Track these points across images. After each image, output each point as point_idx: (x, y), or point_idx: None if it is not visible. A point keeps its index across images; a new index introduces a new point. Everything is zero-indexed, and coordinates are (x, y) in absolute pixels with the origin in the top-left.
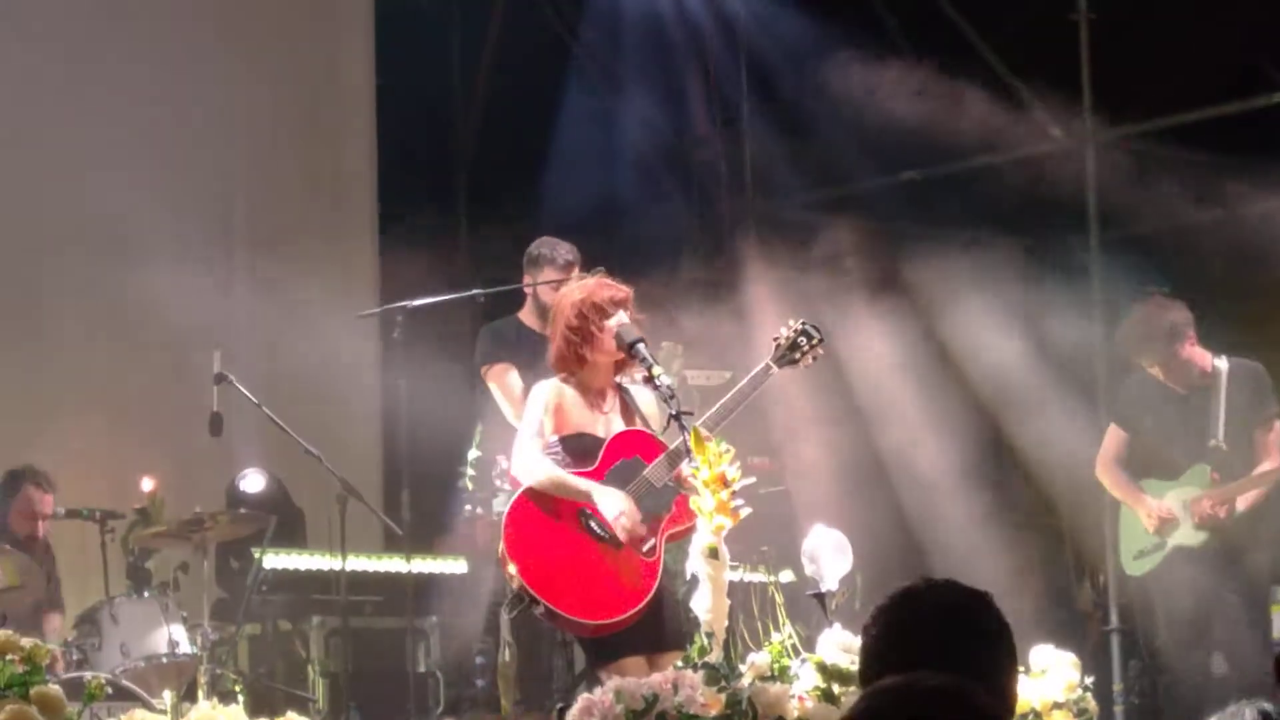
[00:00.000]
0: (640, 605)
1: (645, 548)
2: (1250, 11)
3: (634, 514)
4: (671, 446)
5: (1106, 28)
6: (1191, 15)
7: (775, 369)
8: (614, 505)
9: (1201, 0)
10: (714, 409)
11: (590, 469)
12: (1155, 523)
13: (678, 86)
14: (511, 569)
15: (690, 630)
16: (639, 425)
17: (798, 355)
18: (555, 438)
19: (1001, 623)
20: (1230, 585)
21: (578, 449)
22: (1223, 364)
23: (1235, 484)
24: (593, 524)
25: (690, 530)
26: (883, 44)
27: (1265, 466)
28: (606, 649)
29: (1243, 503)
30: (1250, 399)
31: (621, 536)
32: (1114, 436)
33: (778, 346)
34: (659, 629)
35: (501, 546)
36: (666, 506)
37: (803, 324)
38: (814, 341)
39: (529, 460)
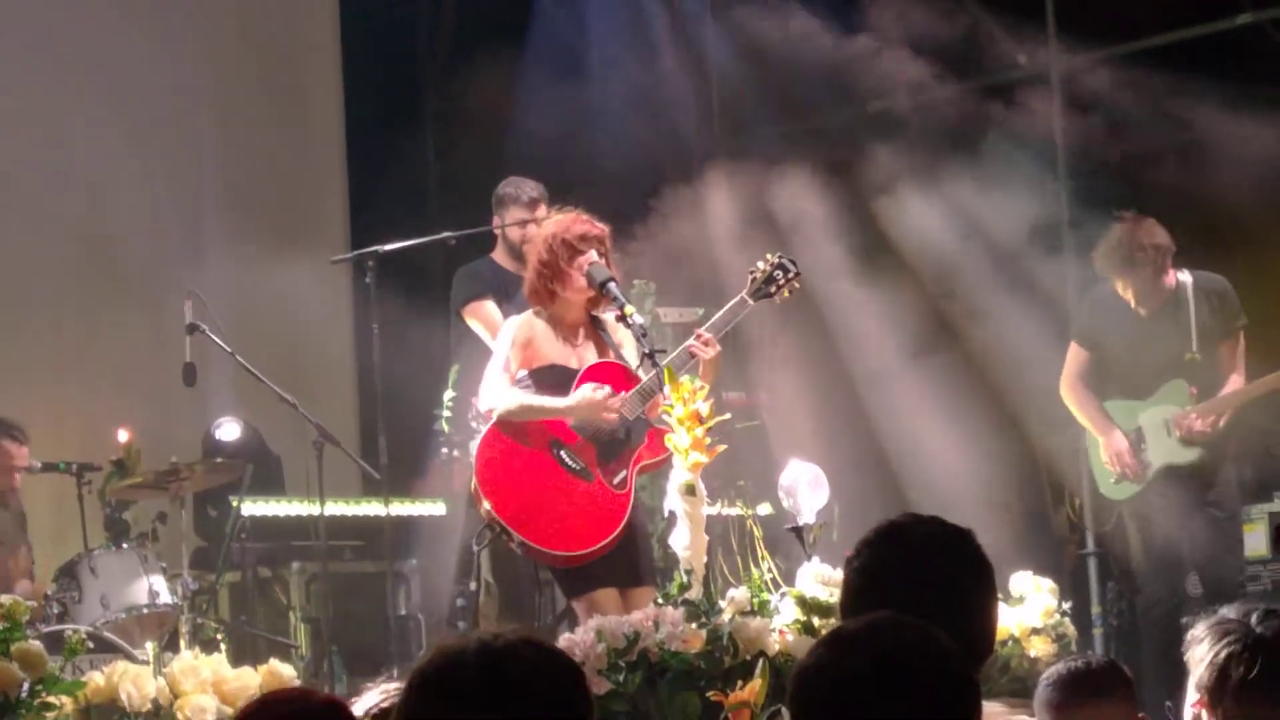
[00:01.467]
0: (611, 536)
1: (616, 480)
2: None
3: (610, 399)
4: (644, 381)
5: None
6: None
7: (751, 302)
8: (587, 399)
9: None
10: (687, 341)
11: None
12: (1127, 470)
13: (643, 21)
14: (484, 502)
15: (663, 566)
16: (613, 358)
17: (773, 289)
18: (525, 372)
19: (983, 559)
20: (1209, 503)
21: (550, 381)
22: (1186, 278)
23: (1220, 398)
24: (564, 455)
25: (662, 463)
26: None
27: (1239, 380)
28: (579, 582)
29: (1223, 419)
30: (1217, 311)
31: (606, 420)
32: (1076, 355)
33: (753, 280)
34: (632, 563)
35: (474, 482)
36: (639, 439)
37: (779, 257)
38: (789, 275)
39: (495, 394)
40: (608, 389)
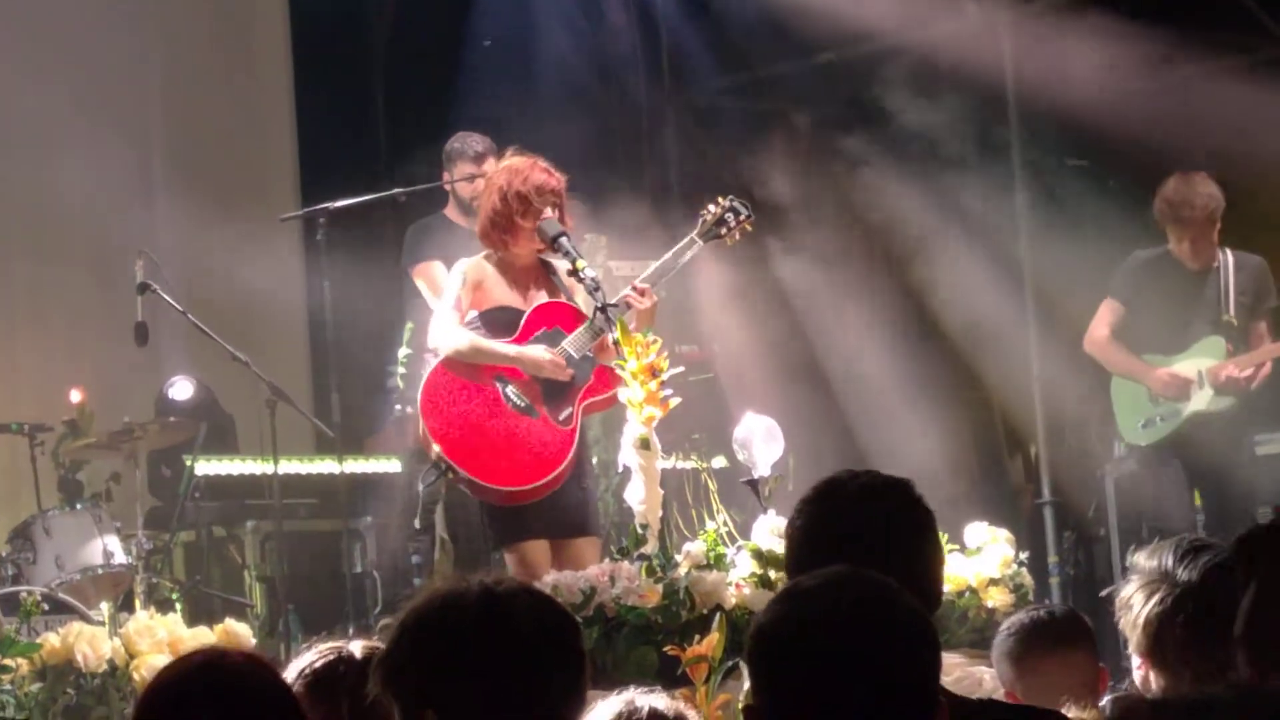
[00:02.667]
0: (556, 471)
1: (561, 416)
2: None
3: (559, 358)
4: (591, 318)
5: None
6: None
7: (700, 242)
8: (537, 355)
9: None
10: (635, 281)
11: (511, 339)
12: (1174, 387)
13: None
14: (429, 438)
15: (618, 521)
16: (562, 298)
17: (724, 230)
18: (475, 313)
19: (923, 508)
20: (1236, 455)
21: (499, 321)
22: (1228, 256)
23: (1263, 349)
24: (509, 392)
25: (609, 402)
26: None
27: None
28: (510, 531)
29: (1258, 377)
30: (1254, 288)
31: (555, 375)
32: (1111, 310)
33: (704, 221)
34: (571, 512)
35: (420, 421)
36: (585, 377)
37: (730, 200)
38: (741, 217)
39: (444, 333)
40: (560, 357)
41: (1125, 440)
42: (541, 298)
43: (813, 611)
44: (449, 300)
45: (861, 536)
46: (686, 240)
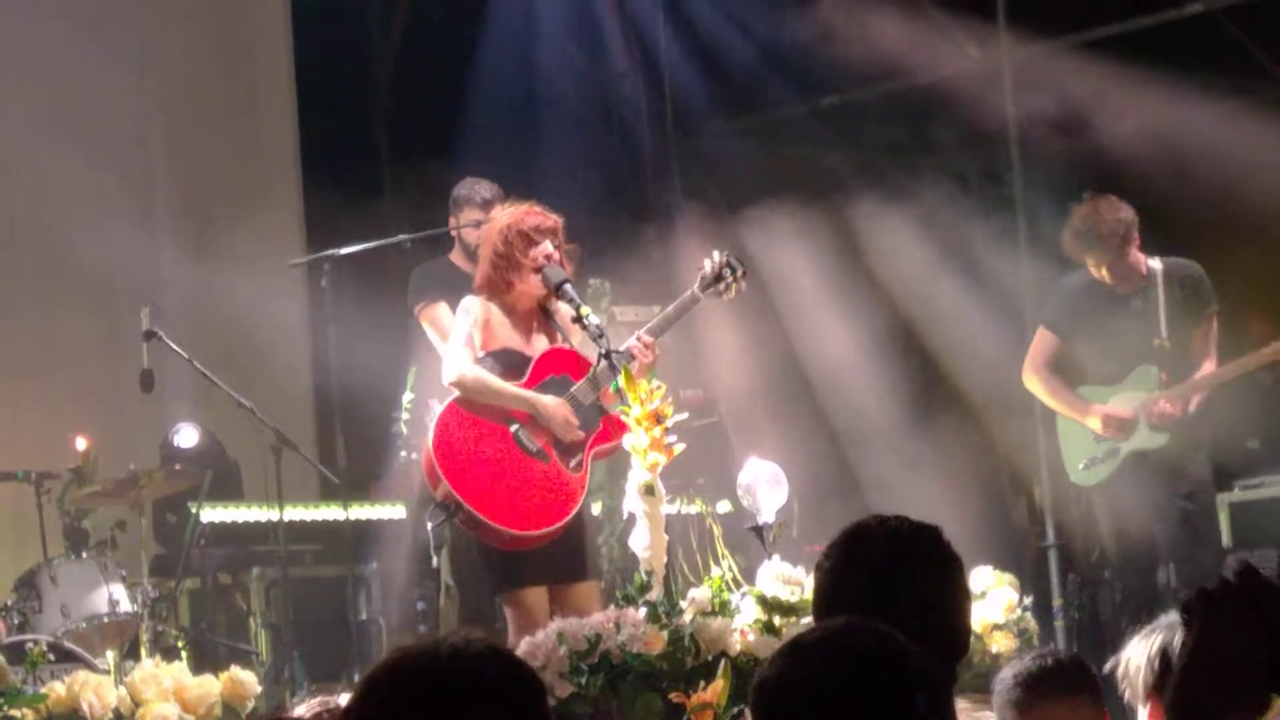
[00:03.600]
0: (564, 519)
1: (572, 464)
2: None
3: (573, 418)
4: (597, 366)
5: None
6: None
7: (700, 297)
8: (556, 407)
9: None
10: (640, 333)
11: (521, 383)
12: (1111, 427)
13: (593, 20)
14: (440, 478)
15: (623, 567)
16: (561, 342)
17: (722, 287)
18: (484, 353)
19: (951, 555)
20: (1180, 491)
21: (507, 363)
22: (1157, 264)
23: (1190, 382)
24: (522, 436)
25: (616, 448)
26: None
27: (1210, 366)
28: (509, 577)
29: (1193, 403)
30: (1189, 297)
31: (564, 435)
32: (1044, 341)
33: (702, 277)
34: (570, 558)
35: (428, 455)
36: (593, 424)
37: (727, 256)
38: (737, 274)
39: (461, 367)
40: (571, 412)
41: (1072, 480)
42: (542, 342)
43: (815, 665)
44: (460, 337)
45: (888, 582)
46: (687, 295)
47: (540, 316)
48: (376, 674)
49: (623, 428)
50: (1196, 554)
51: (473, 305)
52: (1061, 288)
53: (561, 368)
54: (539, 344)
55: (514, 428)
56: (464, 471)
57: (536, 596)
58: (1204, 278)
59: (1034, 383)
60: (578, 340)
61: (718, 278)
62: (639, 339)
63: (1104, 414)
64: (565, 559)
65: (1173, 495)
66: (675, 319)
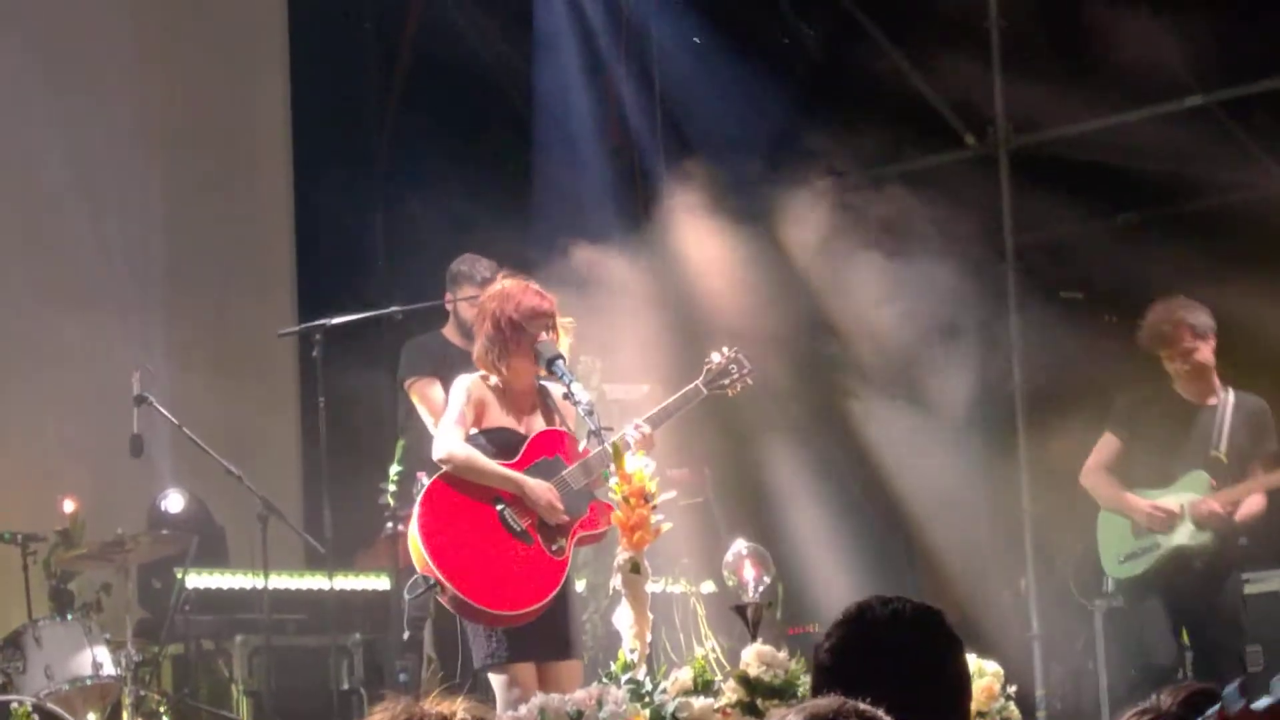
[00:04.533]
0: (543, 602)
1: (554, 547)
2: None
3: (558, 502)
4: (593, 453)
5: (1018, 35)
6: (1104, 19)
7: (704, 391)
8: (542, 490)
9: (1115, 8)
10: (626, 429)
11: (512, 463)
12: (1157, 520)
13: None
14: (422, 551)
15: (607, 645)
16: (558, 425)
17: (726, 381)
18: (475, 430)
19: (951, 637)
20: (1219, 592)
21: (500, 442)
22: (1229, 395)
23: (1242, 485)
24: (507, 515)
25: (600, 537)
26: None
27: (1263, 478)
28: (499, 651)
29: (1241, 513)
30: (1252, 431)
31: (549, 518)
32: (1108, 445)
33: (708, 370)
34: (557, 635)
35: (414, 530)
36: (581, 510)
37: (735, 352)
38: (744, 371)
39: (451, 444)
40: (558, 497)
41: (1108, 574)
42: (537, 421)
43: None
44: (453, 414)
45: (890, 662)
46: (691, 388)
47: (537, 395)
48: None
49: (609, 517)
50: (1219, 652)
51: (467, 383)
52: (1132, 394)
53: (554, 449)
54: (534, 423)
55: (500, 507)
56: (446, 549)
57: (525, 672)
58: (1269, 415)
59: (1090, 482)
60: (574, 419)
61: (723, 372)
62: (638, 430)
63: (1152, 506)
64: (553, 637)
65: (1214, 594)
66: (675, 411)
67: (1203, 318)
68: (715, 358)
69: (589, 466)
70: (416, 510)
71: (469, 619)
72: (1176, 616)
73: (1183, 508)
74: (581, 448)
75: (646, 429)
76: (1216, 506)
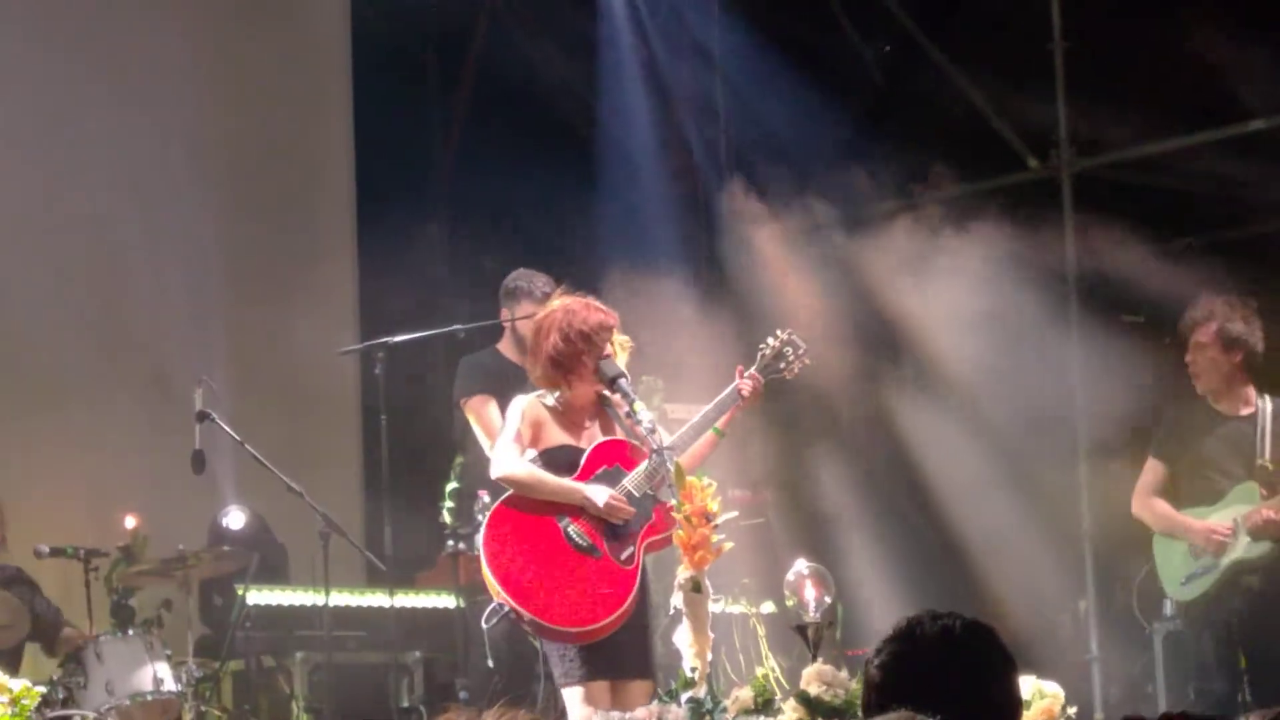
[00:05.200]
0: (618, 612)
1: (623, 555)
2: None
3: (618, 499)
4: (650, 460)
5: (1081, 57)
6: (1168, 43)
7: (761, 378)
8: (601, 493)
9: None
10: (695, 417)
11: (573, 477)
12: (1213, 542)
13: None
14: (492, 580)
15: (667, 664)
16: (619, 436)
17: (782, 365)
18: (534, 452)
19: (1004, 654)
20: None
21: (560, 460)
22: (1267, 403)
23: None
24: (571, 532)
25: (668, 541)
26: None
27: None
28: (574, 669)
29: None
30: None
31: (613, 518)
32: (1153, 471)
33: (762, 356)
34: (630, 655)
35: (482, 560)
36: (646, 515)
37: (789, 334)
38: (799, 352)
39: (509, 463)
40: (621, 497)
41: (1169, 596)
42: (596, 435)
43: None
44: (510, 433)
45: (941, 678)
46: (742, 379)
47: (598, 409)
48: None
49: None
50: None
51: (523, 404)
52: (1169, 417)
53: (614, 459)
54: (594, 436)
55: (564, 524)
56: (515, 574)
57: (598, 691)
58: None
59: (1142, 511)
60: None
61: (778, 355)
62: (741, 372)
63: (1205, 530)
64: (628, 656)
65: (1266, 609)
66: (730, 403)
67: (1239, 327)
68: (769, 341)
69: (650, 472)
70: (481, 538)
71: (549, 640)
72: (1236, 637)
73: (1236, 522)
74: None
75: (757, 379)
76: (1272, 514)
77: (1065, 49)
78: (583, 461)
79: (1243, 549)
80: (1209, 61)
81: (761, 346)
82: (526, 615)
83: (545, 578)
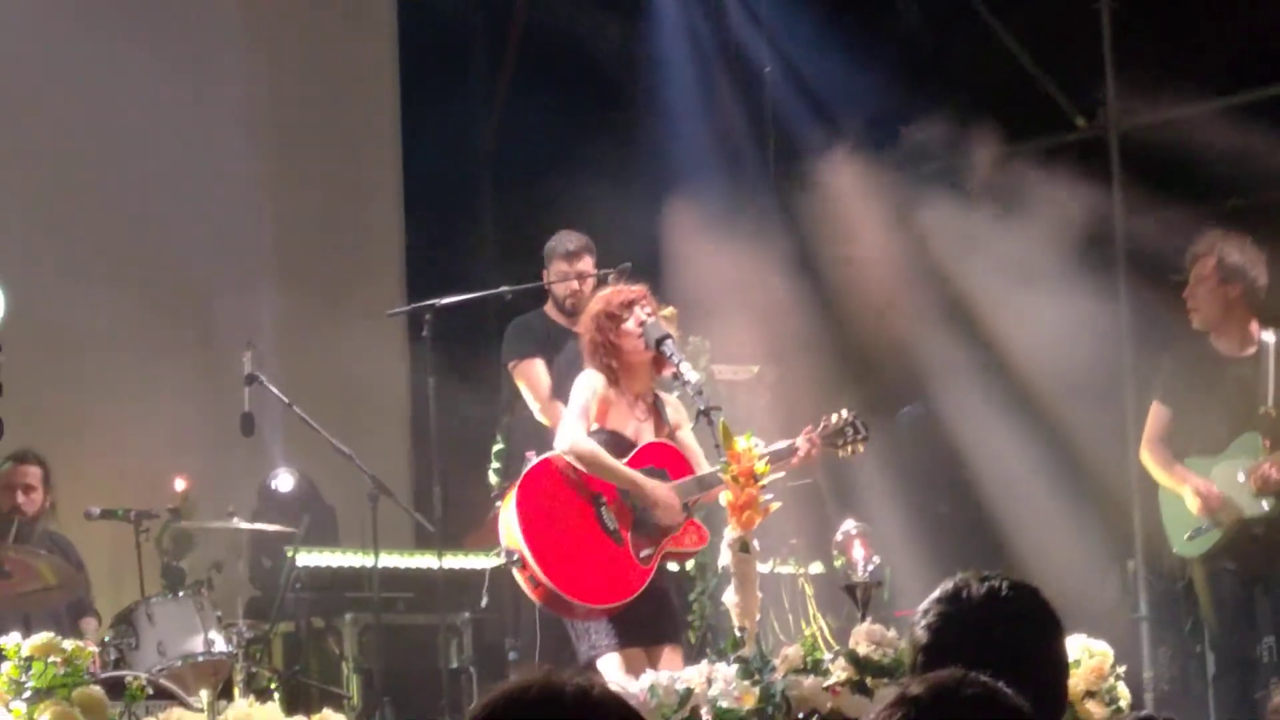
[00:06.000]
0: (619, 604)
1: (642, 554)
2: None
3: (676, 501)
4: (703, 474)
5: (1129, 14)
6: (1215, 3)
7: (819, 444)
8: (662, 489)
9: None
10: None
11: (625, 463)
12: (1208, 508)
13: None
14: (514, 527)
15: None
16: (667, 437)
17: (841, 441)
18: (596, 426)
19: (1051, 615)
20: None
21: (610, 444)
22: (1270, 337)
23: None
24: (604, 513)
25: (686, 557)
26: (905, 34)
27: None
28: (600, 641)
29: None
30: None
31: (665, 519)
32: (1157, 416)
33: (825, 427)
34: (656, 623)
35: (510, 503)
36: (676, 525)
37: (854, 417)
38: (860, 436)
39: (576, 437)
40: (676, 500)
41: (1176, 552)
42: (648, 430)
43: (931, 715)
44: (578, 407)
45: (988, 640)
46: (803, 439)
47: (651, 405)
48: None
49: (702, 537)
50: None
51: (595, 380)
52: (1169, 358)
53: (663, 462)
54: (645, 432)
55: (599, 503)
56: (541, 532)
57: (634, 658)
58: None
59: (1147, 458)
60: (684, 433)
61: (838, 433)
62: (806, 437)
63: (1202, 493)
64: (661, 622)
65: (1276, 563)
66: (785, 455)
67: (1236, 259)
68: (833, 417)
69: (702, 482)
70: (516, 487)
71: (549, 607)
72: (1248, 590)
73: (1239, 480)
74: (690, 425)
75: (816, 444)
76: (1273, 472)
77: (1112, 6)
78: (633, 454)
79: (1247, 505)
80: (1258, 19)
81: (825, 417)
82: (533, 567)
83: (564, 540)
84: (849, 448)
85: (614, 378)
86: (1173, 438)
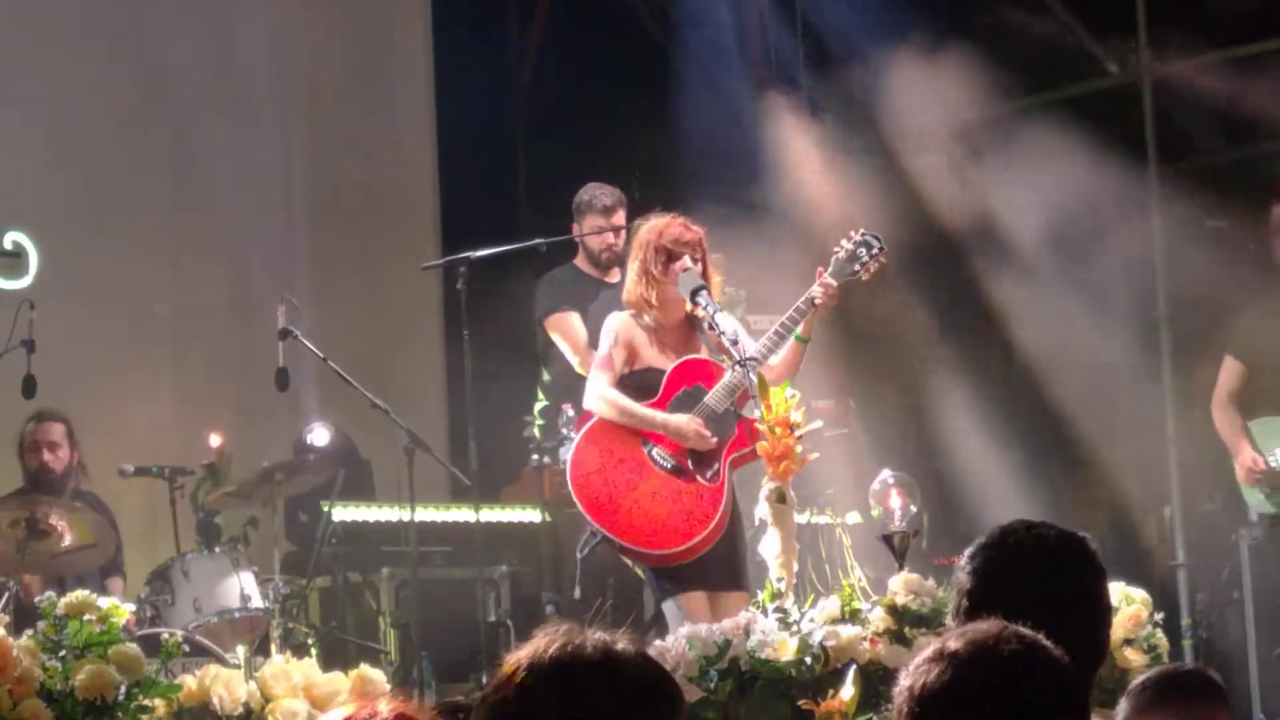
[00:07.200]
0: (706, 530)
1: (709, 473)
2: None
3: (704, 429)
4: (729, 375)
5: None
6: None
7: (834, 282)
8: (686, 424)
9: None
10: (773, 327)
11: (653, 401)
12: (1250, 477)
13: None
14: (583, 511)
15: (754, 575)
16: (704, 355)
17: (857, 266)
18: (628, 371)
19: (1097, 566)
20: None
21: (644, 383)
22: None
23: None
24: (655, 453)
25: (753, 455)
26: None
27: None
28: (670, 585)
29: None
30: None
31: (700, 447)
32: (1231, 371)
33: (836, 258)
34: (725, 566)
35: (570, 489)
36: (729, 431)
37: (863, 234)
38: (874, 251)
39: (598, 389)
40: (703, 425)
41: (1252, 507)
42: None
43: (970, 672)
44: (601, 359)
45: (1033, 587)
46: (817, 285)
47: (690, 331)
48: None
49: (759, 433)
50: None
51: (615, 324)
52: (1246, 314)
53: (694, 378)
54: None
55: (648, 447)
56: (603, 502)
57: (695, 601)
58: None
59: (1216, 416)
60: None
61: (851, 256)
62: (821, 285)
63: (1250, 461)
64: (721, 567)
65: None
66: (807, 311)
67: None
68: (843, 243)
69: (731, 387)
70: (569, 467)
71: (641, 563)
72: None
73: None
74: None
75: (829, 285)
76: None
77: None
78: (663, 384)
79: None
80: None
81: (835, 249)
82: (616, 542)
83: (630, 502)
84: (869, 267)
85: (649, 311)
86: (1245, 392)
